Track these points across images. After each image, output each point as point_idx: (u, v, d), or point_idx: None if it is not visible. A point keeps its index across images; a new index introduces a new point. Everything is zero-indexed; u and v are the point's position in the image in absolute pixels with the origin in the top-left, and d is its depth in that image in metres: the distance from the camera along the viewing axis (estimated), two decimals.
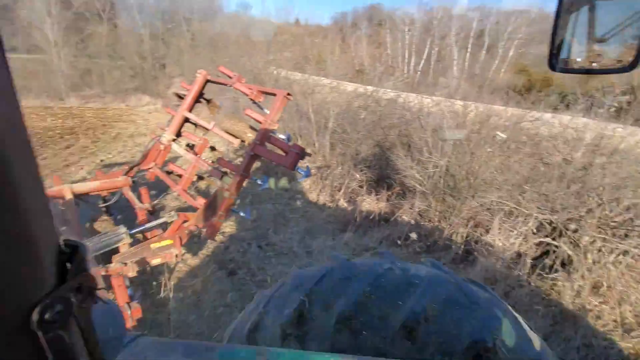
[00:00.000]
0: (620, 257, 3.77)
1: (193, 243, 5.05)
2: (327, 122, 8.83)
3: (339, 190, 7.05)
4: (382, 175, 7.07)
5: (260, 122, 3.51)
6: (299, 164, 3.20)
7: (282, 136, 3.45)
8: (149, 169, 4.66)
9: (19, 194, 0.37)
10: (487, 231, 4.47)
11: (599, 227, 4.05)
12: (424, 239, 4.95)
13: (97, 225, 5.20)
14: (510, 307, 1.43)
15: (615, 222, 3.87)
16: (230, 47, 13.98)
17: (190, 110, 4.35)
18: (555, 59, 1.20)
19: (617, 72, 1.17)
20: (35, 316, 0.40)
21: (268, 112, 3.51)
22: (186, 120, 4.38)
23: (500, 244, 4.21)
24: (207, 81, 4.29)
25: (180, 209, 6.16)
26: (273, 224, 5.95)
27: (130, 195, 4.57)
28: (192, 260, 4.69)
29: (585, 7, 1.21)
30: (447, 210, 5.06)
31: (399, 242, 4.83)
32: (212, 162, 4.18)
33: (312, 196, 7.47)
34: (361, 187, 6.96)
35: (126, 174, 4.72)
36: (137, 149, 10.71)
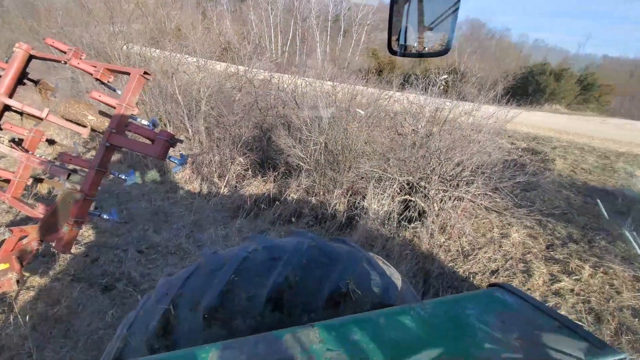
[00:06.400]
0: (456, 202, 4.94)
1: (42, 263, 4.05)
2: (199, 105, 8.18)
3: (223, 177, 6.75)
4: (266, 157, 7.09)
5: (113, 107, 2.97)
6: (171, 153, 2.91)
7: (145, 122, 3.01)
8: None
9: None
10: (364, 197, 5.12)
11: (440, 182, 5.18)
12: (313, 212, 5.32)
13: None
14: (369, 254, 1.66)
15: (450, 175, 5.01)
16: (57, 15, 11.02)
17: (10, 96, 3.30)
18: (395, 44, 1.36)
19: (439, 55, 1.44)
20: None
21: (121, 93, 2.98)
22: (6, 108, 3.32)
23: (375, 207, 4.91)
24: (31, 57, 3.32)
25: (15, 223, 4.78)
26: (152, 223, 5.29)
27: None
28: (49, 283, 3.76)
29: None
30: (330, 184, 5.53)
31: (293, 219, 5.04)
32: (53, 158, 3.35)
33: (194, 186, 6.92)
34: (246, 170, 6.84)
35: None
36: None
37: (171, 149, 2.88)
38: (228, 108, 7.67)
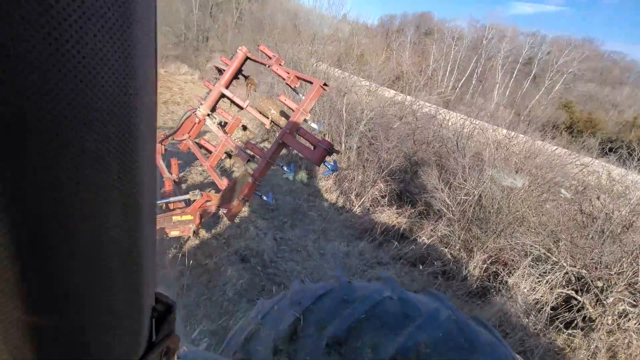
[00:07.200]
0: None
1: (211, 223, 5.09)
2: (358, 124, 8.72)
3: (360, 197, 6.95)
4: (406, 190, 6.92)
5: (293, 110, 3.47)
6: (326, 159, 3.17)
7: (314, 125, 3.41)
8: (183, 140, 4.70)
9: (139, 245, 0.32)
10: (510, 272, 4.30)
11: (629, 291, 3.85)
12: (442, 266, 4.82)
13: None
14: (517, 356, 1.38)
15: None
16: (276, 32, 13.95)
17: (227, 87, 4.33)
18: None
19: None
20: None
21: (303, 97, 3.45)
22: (222, 96, 4.37)
23: (524, 289, 4.05)
24: (247, 58, 4.26)
25: (203, 185, 6.23)
26: (290, 218, 5.93)
27: (160, 163, 4.63)
28: (209, 240, 4.72)
29: None
30: (471, 241, 4.90)
31: (421, 267, 4.69)
32: (242, 143, 4.16)
33: (332, 197, 7.40)
34: (383, 197, 6.84)
35: (160, 142, 4.77)
36: (169, 117, 10.88)
37: (327, 156, 3.17)
38: (384, 133, 7.88)
